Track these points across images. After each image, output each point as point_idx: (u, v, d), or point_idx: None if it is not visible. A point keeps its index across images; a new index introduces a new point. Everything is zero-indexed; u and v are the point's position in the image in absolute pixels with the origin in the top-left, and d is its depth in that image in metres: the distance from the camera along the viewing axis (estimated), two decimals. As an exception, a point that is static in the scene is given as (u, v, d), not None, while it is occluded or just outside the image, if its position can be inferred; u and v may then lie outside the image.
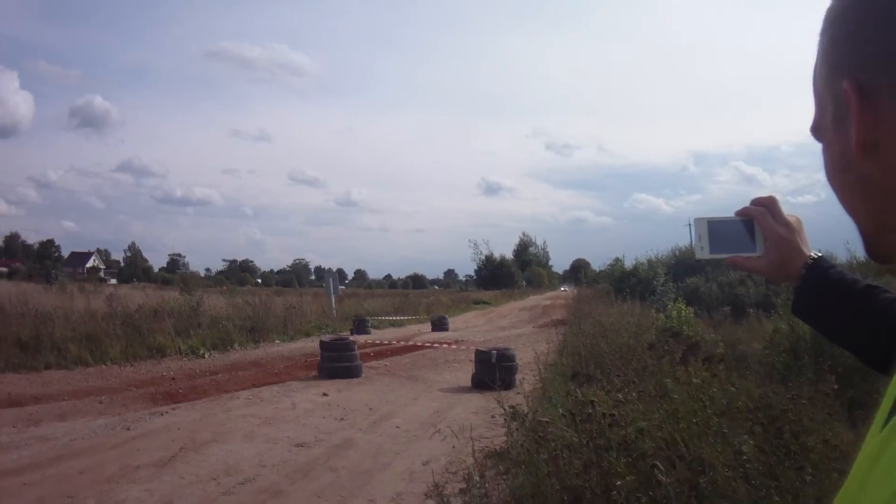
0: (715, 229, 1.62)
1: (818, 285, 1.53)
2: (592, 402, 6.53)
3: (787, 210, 1.55)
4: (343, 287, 69.66)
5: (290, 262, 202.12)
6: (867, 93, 0.82)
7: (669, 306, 22.26)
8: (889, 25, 0.80)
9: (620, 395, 7.48)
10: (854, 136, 0.84)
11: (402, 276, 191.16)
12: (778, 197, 1.56)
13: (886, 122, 0.81)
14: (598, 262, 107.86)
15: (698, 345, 12.00)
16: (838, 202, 0.98)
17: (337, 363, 16.64)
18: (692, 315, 20.13)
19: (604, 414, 6.06)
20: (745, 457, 5.34)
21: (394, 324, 36.47)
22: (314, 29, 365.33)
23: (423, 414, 12.41)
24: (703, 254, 1.63)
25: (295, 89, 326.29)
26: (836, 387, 7.36)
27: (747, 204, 1.61)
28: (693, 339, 12.85)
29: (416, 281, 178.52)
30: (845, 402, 7.23)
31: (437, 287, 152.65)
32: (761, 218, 1.57)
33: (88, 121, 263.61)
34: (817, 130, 0.97)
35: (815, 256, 1.55)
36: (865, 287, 1.50)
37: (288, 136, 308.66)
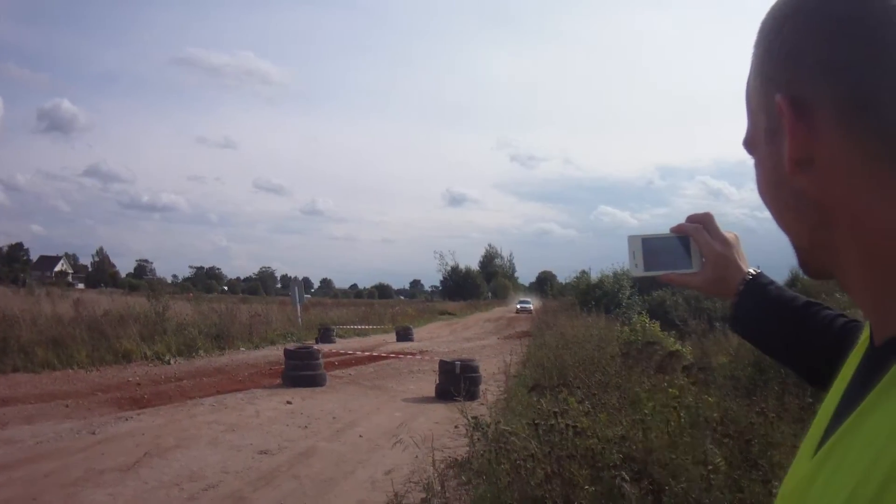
0: (650, 247, 1.60)
1: (756, 301, 1.51)
2: (556, 412, 6.62)
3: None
4: (309, 296, 69.22)
5: (256, 270, 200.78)
6: (801, 107, 0.81)
7: (634, 319, 22.42)
8: (828, 38, 0.80)
9: (588, 404, 7.58)
10: (788, 152, 0.83)
11: (368, 285, 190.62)
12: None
13: (821, 137, 0.80)
14: (564, 275, 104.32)
15: (677, 353, 12.14)
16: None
17: (301, 371, 16.64)
18: (657, 327, 20.26)
19: (567, 425, 6.14)
20: (709, 467, 5.41)
21: (359, 333, 36.39)
22: (282, 37, 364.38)
23: (387, 423, 12.42)
24: (638, 271, 1.61)
25: (262, 97, 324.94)
26: (810, 400, 7.40)
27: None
28: (670, 348, 13.01)
29: (382, 291, 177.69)
30: (812, 415, 7.26)
31: (402, 297, 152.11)
32: (697, 234, 1.55)
33: (56, 124, 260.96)
34: (749, 144, 0.96)
35: (754, 273, 1.54)
36: (805, 304, 1.49)
37: (253, 144, 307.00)
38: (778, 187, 0.90)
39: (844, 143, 0.79)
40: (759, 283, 1.53)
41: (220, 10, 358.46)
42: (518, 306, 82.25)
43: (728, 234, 1.56)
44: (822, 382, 1.25)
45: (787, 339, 1.51)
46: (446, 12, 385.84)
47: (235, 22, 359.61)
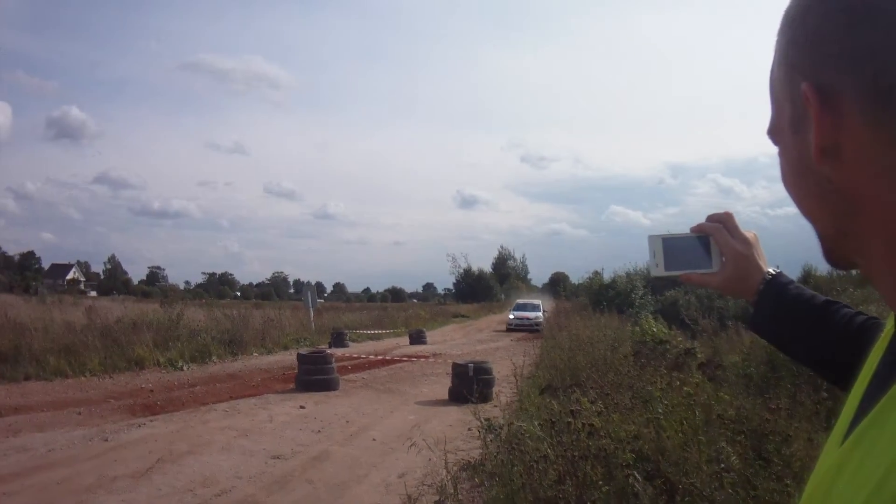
0: (670, 246, 1.61)
1: (776, 301, 1.52)
2: (573, 411, 6.59)
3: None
4: (321, 300, 69.45)
5: (268, 275, 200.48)
6: (827, 95, 0.80)
7: (643, 319, 22.39)
8: (851, 26, 0.78)
9: (601, 404, 7.55)
10: (814, 140, 0.82)
11: (381, 289, 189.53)
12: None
13: (848, 125, 0.79)
14: (576, 275, 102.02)
15: (691, 351, 12.13)
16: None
17: (314, 376, 16.65)
18: (664, 327, 20.22)
19: (583, 424, 6.12)
20: (722, 465, 5.38)
21: (372, 337, 36.28)
22: (289, 42, 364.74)
23: (400, 426, 12.44)
24: (658, 271, 1.62)
25: (271, 101, 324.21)
26: (824, 395, 7.38)
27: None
28: (684, 346, 12.99)
29: (395, 294, 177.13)
30: (825, 412, 7.24)
31: (415, 300, 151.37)
32: (717, 234, 1.56)
33: (65, 132, 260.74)
34: (774, 133, 0.95)
35: (773, 272, 1.54)
36: (824, 302, 1.49)
37: (264, 149, 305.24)
38: (803, 176, 0.90)
39: (871, 132, 0.78)
40: (778, 283, 1.54)
41: (227, 15, 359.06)
42: (511, 316, 47.57)
43: (748, 234, 1.57)
44: (843, 381, 1.27)
45: (807, 338, 1.51)
46: (454, 14, 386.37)
47: (242, 27, 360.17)
